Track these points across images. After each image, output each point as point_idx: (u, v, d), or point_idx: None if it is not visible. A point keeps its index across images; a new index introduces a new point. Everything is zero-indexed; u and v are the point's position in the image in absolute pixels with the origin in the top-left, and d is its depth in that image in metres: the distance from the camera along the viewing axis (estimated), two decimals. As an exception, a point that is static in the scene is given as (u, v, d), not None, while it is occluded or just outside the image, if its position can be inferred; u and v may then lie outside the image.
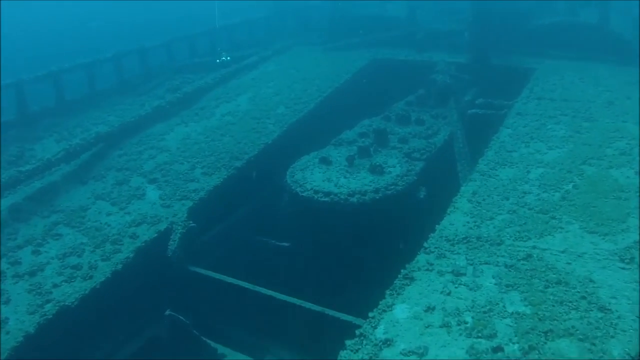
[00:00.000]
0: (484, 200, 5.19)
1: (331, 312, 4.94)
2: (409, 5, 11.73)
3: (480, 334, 3.51)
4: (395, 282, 4.15)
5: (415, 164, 6.45)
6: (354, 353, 3.54)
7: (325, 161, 6.44)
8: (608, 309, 3.62)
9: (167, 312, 5.31)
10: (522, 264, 4.18)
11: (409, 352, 3.45)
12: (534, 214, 4.87)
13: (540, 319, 3.57)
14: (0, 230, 5.80)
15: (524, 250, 4.35)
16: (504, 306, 3.74)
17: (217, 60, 10.30)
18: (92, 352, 5.32)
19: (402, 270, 4.26)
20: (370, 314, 3.85)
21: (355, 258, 6.14)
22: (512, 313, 3.66)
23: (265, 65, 10.69)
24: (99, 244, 5.54)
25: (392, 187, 5.92)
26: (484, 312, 3.69)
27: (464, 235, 4.63)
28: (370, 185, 5.91)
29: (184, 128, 8.07)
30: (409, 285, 4.09)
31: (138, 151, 7.42)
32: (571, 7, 10.48)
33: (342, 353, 3.57)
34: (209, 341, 5.44)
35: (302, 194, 5.94)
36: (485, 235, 4.61)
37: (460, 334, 3.54)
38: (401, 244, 5.89)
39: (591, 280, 3.92)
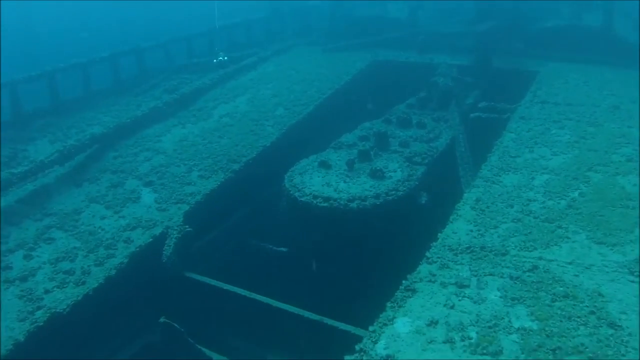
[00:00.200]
0: (487, 207, 5.05)
1: (330, 322, 4.82)
2: (410, 6, 11.62)
3: (485, 351, 3.37)
4: (396, 293, 4.01)
5: (416, 169, 6.32)
6: None
7: (324, 165, 6.31)
8: (618, 326, 3.48)
9: (162, 319, 5.17)
10: (528, 276, 4.05)
11: (411, 369, 3.32)
12: (539, 223, 4.73)
13: (547, 335, 3.44)
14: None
15: (529, 261, 4.21)
16: (509, 321, 3.60)
17: (214, 60, 10.17)
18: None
19: (403, 281, 4.12)
20: (371, 328, 3.71)
21: (355, 265, 6.00)
22: (519, 328, 3.52)
23: (264, 66, 10.58)
24: (93, 248, 5.44)
25: (393, 192, 5.78)
26: (489, 327, 3.56)
27: (467, 245, 4.49)
28: (371, 191, 5.77)
29: (180, 129, 7.96)
30: (410, 297, 3.95)
31: (134, 153, 7.32)
32: (575, 10, 10.36)
33: None
34: (204, 349, 5.30)
35: (301, 199, 5.81)
36: (490, 245, 4.47)
37: (465, 351, 3.40)
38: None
39: (600, 294, 3.79)
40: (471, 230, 4.72)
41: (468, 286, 3.99)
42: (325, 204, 5.66)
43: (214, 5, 11.42)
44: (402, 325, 3.69)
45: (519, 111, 7.24)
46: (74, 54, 10.00)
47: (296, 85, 9.25)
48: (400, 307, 3.86)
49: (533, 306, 3.73)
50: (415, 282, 4.11)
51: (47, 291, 4.89)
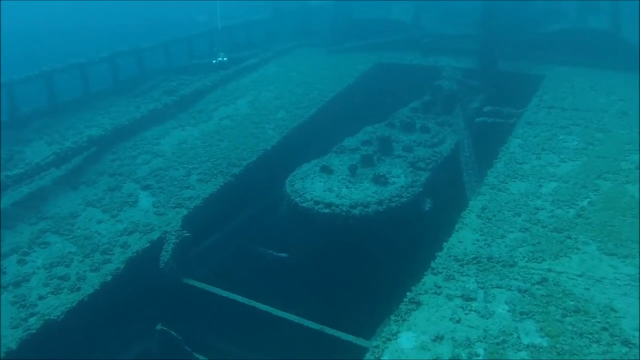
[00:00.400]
0: (494, 216, 4.92)
1: (330, 331, 4.70)
2: (414, 6, 11.50)
3: (493, 369, 3.24)
4: (400, 306, 3.88)
5: (420, 174, 6.19)
6: None
7: (326, 170, 6.18)
8: (632, 344, 3.35)
9: (159, 327, 5.09)
10: (537, 289, 3.91)
11: (416, 387, 3.19)
12: (547, 233, 4.60)
13: (558, 353, 3.31)
14: None
15: (538, 273, 4.08)
16: (518, 337, 3.47)
17: (214, 61, 10.03)
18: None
19: (407, 293, 3.99)
20: (374, 343, 3.58)
21: (357, 273, 5.88)
22: (528, 345, 3.39)
23: (265, 68, 10.48)
24: (88, 253, 5.35)
25: (397, 198, 5.65)
26: (497, 344, 3.42)
27: (473, 255, 4.36)
28: (374, 197, 5.64)
29: (180, 132, 7.85)
30: (415, 310, 3.82)
31: (132, 156, 7.21)
32: (581, 12, 10.23)
33: None
34: (201, 357, 5.20)
35: (302, 205, 5.68)
36: (497, 256, 4.33)
37: (472, 368, 3.27)
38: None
39: (612, 309, 3.65)
40: (477, 240, 4.58)
41: (475, 299, 3.86)
42: (327, 210, 5.53)
43: (217, 5, 11.32)
44: (407, 340, 3.56)
45: (525, 116, 7.11)
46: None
47: (298, 88, 9.14)
48: (404, 320, 3.73)
49: (543, 321, 3.59)
50: (420, 294, 3.98)
51: (41, 297, 4.80)
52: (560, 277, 4.03)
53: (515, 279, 4.05)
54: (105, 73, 9.79)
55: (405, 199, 5.68)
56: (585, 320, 3.57)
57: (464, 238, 4.64)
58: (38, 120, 8.48)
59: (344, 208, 5.51)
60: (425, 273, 4.23)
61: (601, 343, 3.38)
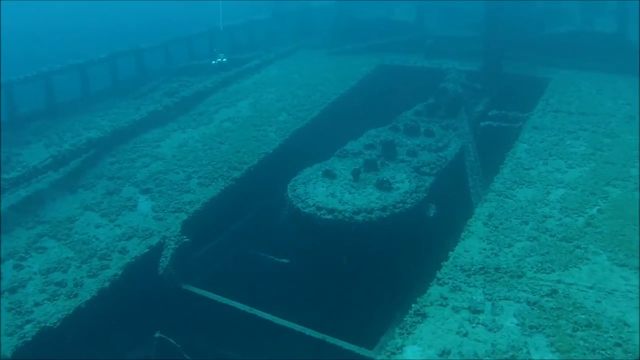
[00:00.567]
0: (501, 224, 4.81)
1: (332, 340, 4.61)
2: (417, 6, 11.40)
3: (502, 386, 3.13)
4: (405, 318, 3.77)
5: (424, 180, 6.09)
6: None
7: (329, 174, 6.09)
8: (647, 361, 3.24)
9: (157, 334, 5.00)
10: (547, 301, 3.80)
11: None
12: (556, 242, 4.49)
13: (570, 370, 3.19)
14: None
15: (547, 285, 3.97)
16: (528, 352, 3.36)
17: (213, 62, 9.92)
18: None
19: (412, 305, 3.88)
20: (379, 357, 3.47)
21: (360, 280, 5.77)
22: (538, 361, 3.28)
23: (267, 69, 10.40)
24: (86, 259, 5.27)
25: (401, 204, 5.55)
26: None
27: (480, 265, 4.25)
28: (377, 203, 5.54)
29: (180, 134, 7.76)
30: (420, 323, 3.71)
31: (131, 159, 7.12)
32: (587, 14, 10.11)
33: None
34: (200, 366, 5.12)
35: (304, 210, 5.58)
36: (505, 266, 4.22)
37: (480, 385, 3.16)
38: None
39: (625, 324, 3.54)
40: (484, 249, 4.47)
41: (482, 311, 3.75)
42: (330, 216, 5.43)
43: (219, 5, 11.21)
44: (412, 354, 3.46)
45: (531, 120, 7.01)
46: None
47: (300, 90, 9.05)
48: (409, 334, 3.62)
49: (553, 336, 3.48)
50: (425, 305, 3.87)
51: (37, 304, 4.72)
52: (570, 289, 3.92)
53: (524, 291, 3.94)
54: (105, 74, 9.71)
55: (409, 205, 5.58)
56: (598, 335, 3.46)
57: (470, 247, 4.53)
58: (36, 122, 8.41)
59: (346, 214, 5.41)
60: (431, 284, 4.12)
61: (614, 360, 3.27)
